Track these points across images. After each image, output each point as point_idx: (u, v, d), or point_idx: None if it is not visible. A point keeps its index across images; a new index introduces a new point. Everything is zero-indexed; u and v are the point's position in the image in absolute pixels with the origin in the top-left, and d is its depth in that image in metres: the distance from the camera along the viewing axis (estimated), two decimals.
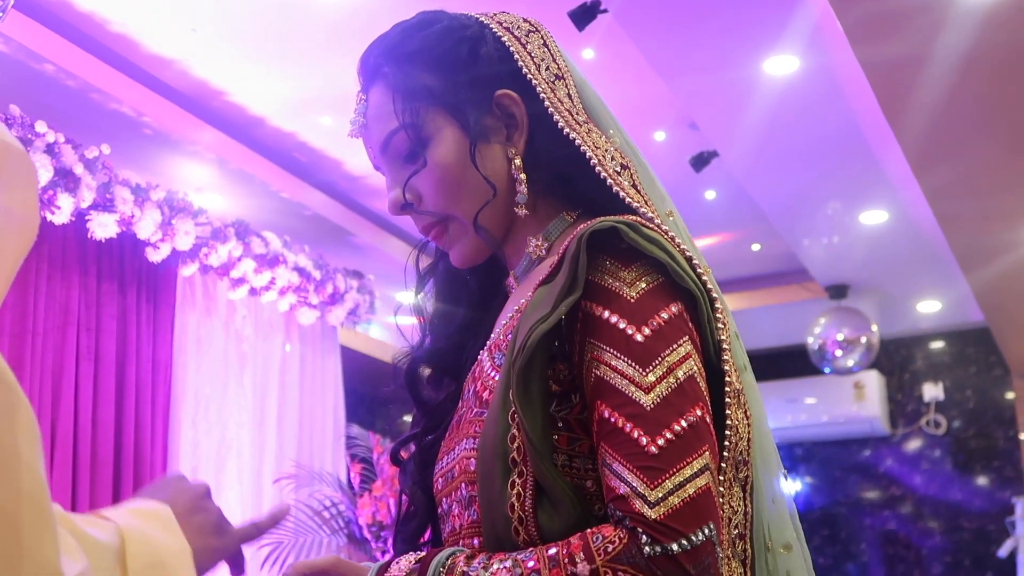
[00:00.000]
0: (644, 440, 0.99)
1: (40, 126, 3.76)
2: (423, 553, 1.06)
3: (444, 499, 1.19)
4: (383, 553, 4.38)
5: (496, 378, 1.13)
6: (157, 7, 3.73)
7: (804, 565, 1.18)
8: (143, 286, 4.46)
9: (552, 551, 0.98)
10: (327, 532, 4.53)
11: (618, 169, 1.20)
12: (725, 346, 1.09)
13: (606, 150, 1.20)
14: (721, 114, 4.25)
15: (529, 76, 1.22)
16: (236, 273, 4.73)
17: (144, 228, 4.21)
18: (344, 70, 3.98)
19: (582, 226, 1.10)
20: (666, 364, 1.02)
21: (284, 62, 4.08)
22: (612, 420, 1.01)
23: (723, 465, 1.06)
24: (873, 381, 7.28)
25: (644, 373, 1.02)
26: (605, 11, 3.50)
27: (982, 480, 7.32)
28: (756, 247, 6.11)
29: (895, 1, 3.20)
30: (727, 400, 1.07)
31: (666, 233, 1.11)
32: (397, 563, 1.05)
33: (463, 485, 1.13)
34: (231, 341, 4.89)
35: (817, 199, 5.09)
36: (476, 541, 1.10)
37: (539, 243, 1.24)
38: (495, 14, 1.28)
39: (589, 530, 0.99)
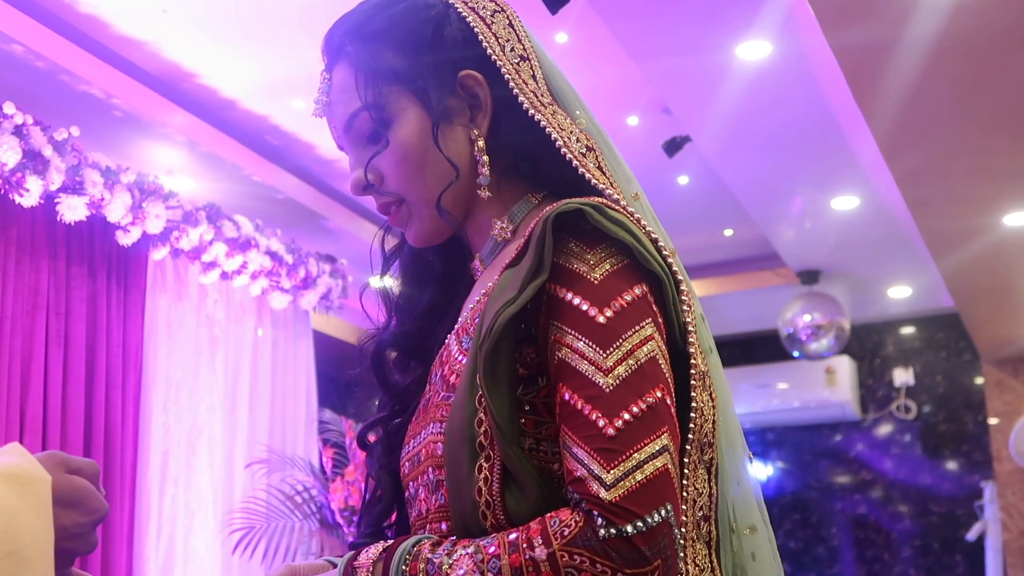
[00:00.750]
0: (602, 422, 0.99)
1: (8, 107, 3.72)
2: (390, 542, 1.05)
3: (411, 483, 1.18)
4: (355, 538, 4.37)
5: (463, 362, 1.12)
6: None
7: (769, 546, 1.18)
8: (113, 270, 4.43)
9: (512, 536, 0.98)
10: (299, 517, 4.52)
11: (583, 151, 1.19)
12: (691, 328, 1.09)
13: (571, 131, 1.19)
14: (694, 99, 4.25)
15: (493, 57, 1.20)
16: (207, 257, 4.71)
17: (114, 211, 4.17)
18: (317, 53, 3.97)
19: (548, 208, 1.09)
20: (627, 346, 1.02)
21: (256, 44, 4.05)
22: (572, 402, 1.01)
23: (688, 447, 1.06)
24: (844, 366, 7.32)
25: (605, 355, 1.01)
26: None
27: (951, 464, 7.38)
28: (728, 232, 6.13)
29: None
30: (692, 383, 1.07)
31: (632, 215, 1.11)
32: (366, 552, 1.05)
33: (430, 469, 1.12)
34: (202, 325, 4.86)
35: (789, 184, 5.11)
36: (444, 526, 1.10)
37: (504, 225, 1.23)
38: None
39: (548, 514, 0.99)
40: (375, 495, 1.29)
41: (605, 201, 1.11)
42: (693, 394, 1.07)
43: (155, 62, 4.16)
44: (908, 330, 7.62)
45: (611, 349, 1.01)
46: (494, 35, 1.22)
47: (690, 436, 1.06)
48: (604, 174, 1.19)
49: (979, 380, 7.38)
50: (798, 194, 5.20)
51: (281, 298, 5.15)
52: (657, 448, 0.99)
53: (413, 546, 1.02)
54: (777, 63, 3.88)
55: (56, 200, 3.97)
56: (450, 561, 0.98)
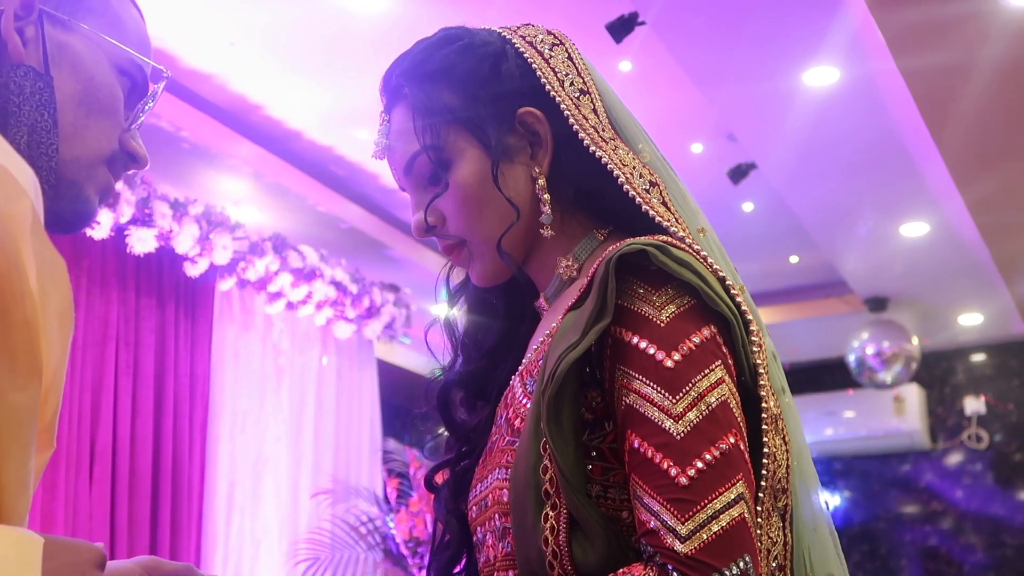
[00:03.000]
0: (674, 471, 0.96)
1: None
2: None
3: (478, 528, 1.16)
4: (419, 569, 4.36)
5: (527, 405, 1.10)
6: (195, 21, 3.74)
7: None
8: (181, 300, 4.47)
9: None
10: (364, 548, 4.52)
11: (647, 187, 1.16)
12: (761, 370, 1.06)
13: (634, 167, 1.17)
14: (760, 125, 4.21)
15: (552, 92, 1.18)
16: (273, 287, 4.74)
17: (182, 243, 4.22)
18: (379, 84, 3.99)
19: (611, 247, 1.07)
20: (697, 390, 0.99)
21: (321, 75, 4.08)
22: (641, 450, 0.98)
23: (761, 495, 1.02)
24: (913, 394, 7.19)
25: (674, 400, 0.98)
26: (643, 23, 3.48)
27: None
28: (794, 259, 6.06)
29: (937, 10, 3.16)
30: (764, 427, 1.04)
31: (698, 253, 1.08)
32: None
33: (496, 515, 1.10)
34: (268, 355, 4.89)
35: (857, 211, 5.04)
36: (511, 574, 1.08)
37: (569, 264, 1.21)
38: (518, 27, 1.25)
39: (621, 571, 0.96)
40: (443, 540, 1.27)
41: (670, 240, 1.08)
42: (765, 439, 1.04)
43: (222, 94, 4.20)
44: (979, 357, 7.47)
45: (680, 394, 0.99)
46: (552, 70, 1.20)
47: (763, 483, 1.02)
48: (669, 210, 1.16)
49: None
50: (866, 221, 5.13)
51: (345, 327, 5.17)
52: (733, 497, 0.95)
53: None
54: (844, 88, 3.83)
55: (126, 232, 4.03)
56: None
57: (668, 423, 0.97)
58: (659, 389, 0.99)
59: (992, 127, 3.82)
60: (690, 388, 0.98)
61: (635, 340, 1.01)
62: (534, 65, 1.20)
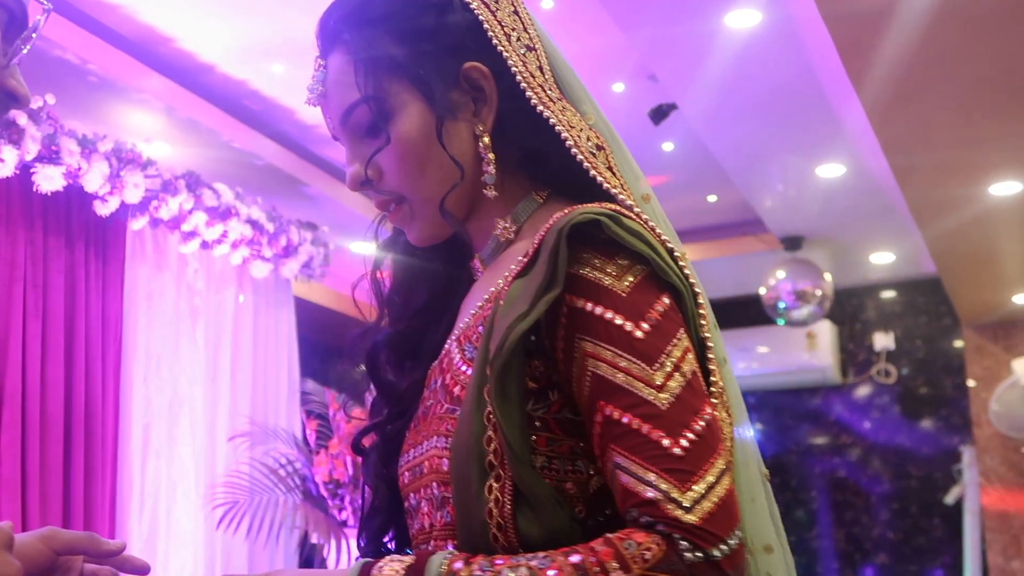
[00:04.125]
0: (666, 441, 0.95)
1: None
2: (409, 558, 1.00)
3: (412, 494, 1.14)
4: (339, 511, 4.35)
5: (468, 372, 1.08)
6: None
7: (785, 567, 1.15)
8: (91, 241, 4.34)
9: (575, 558, 0.93)
10: (283, 491, 4.49)
11: (593, 150, 1.14)
12: (709, 343, 1.06)
13: (580, 129, 1.14)
14: (681, 66, 4.20)
15: (499, 47, 1.14)
16: (187, 226, 4.63)
17: (92, 181, 4.09)
18: (297, 16, 3.89)
19: (558, 215, 1.04)
20: (672, 360, 0.99)
21: (235, 7, 3.97)
22: (624, 421, 0.97)
23: None
24: (825, 331, 7.33)
25: (652, 371, 0.97)
26: None
27: (930, 428, 7.43)
28: (712, 198, 6.10)
29: None
30: (713, 400, 1.03)
31: (646, 223, 1.07)
32: (380, 570, 1.00)
33: (434, 484, 1.08)
34: (183, 296, 4.79)
35: (774, 152, 5.08)
36: (450, 544, 1.06)
37: (507, 225, 1.18)
38: None
39: (614, 535, 0.94)
40: (373, 505, 1.25)
41: (619, 209, 1.06)
42: (713, 389, 1.04)
43: (131, 25, 4.07)
44: (889, 294, 7.63)
45: (656, 364, 0.98)
46: (499, 23, 1.16)
47: None
48: (615, 175, 1.14)
49: (958, 344, 7.41)
50: (783, 161, 5.17)
51: (262, 267, 5.09)
52: (722, 466, 0.96)
53: (442, 564, 0.97)
54: (766, 30, 3.84)
55: (32, 170, 3.88)
56: None
57: (651, 393, 0.96)
58: (634, 360, 0.97)
59: (910, 71, 3.84)
60: (665, 359, 0.98)
61: (597, 310, 1.00)
62: (481, 17, 1.15)
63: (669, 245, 1.06)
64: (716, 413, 0.99)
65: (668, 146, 5.26)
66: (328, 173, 5.37)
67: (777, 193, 5.65)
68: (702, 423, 0.97)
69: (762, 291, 6.45)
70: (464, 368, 1.09)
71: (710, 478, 0.94)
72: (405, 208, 1.19)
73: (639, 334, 0.99)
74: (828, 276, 6.34)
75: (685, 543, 0.92)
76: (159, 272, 4.68)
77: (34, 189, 3.92)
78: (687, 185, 5.78)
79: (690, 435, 0.95)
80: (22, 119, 3.74)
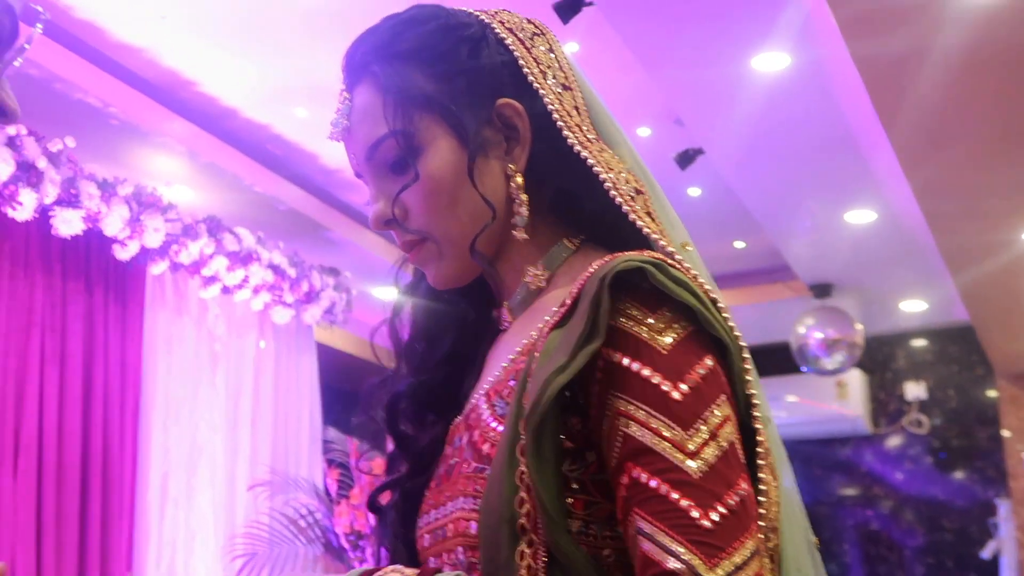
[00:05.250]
0: (695, 512, 0.87)
1: None
2: (412, 570, 0.94)
3: (432, 559, 1.06)
4: (360, 563, 4.25)
5: (498, 430, 1.00)
6: None
7: None
8: (111, 285, 4.31)
9: None
10: (303, 542, 4.39)
11: (632, 194, 1.06)
12: (756, 401, 0.97)
13: (619, 172, 1.07)
14: (707, 110, 4.16)
15: (535, 84, 1.08)
16: (208, 271, 4.59)
17: (111, 225, 4.05)
18: (320, 60, 3.86)
19: (598, 262, 0.97)
20: (709, 427, 0.91)
21: (258, 51, 3.96)
22: (653, 486, 0.89)
23: (759, 535, 0.94)
24: (855, 379, 7.22)
25: (687, 436, 0.90)
26: (591, 3, 3.40)
27: (964, 479, 7.28)
28: (740, 244, 6.04)
29: None
30: (759, 462, 0.95)
31: (688, 271, 0.99)
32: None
33: (460, 549, 1.01)
34: (203, 341, 4.75)
35: (803, 197, 5.01)
36: None
37: (538, 273, 1.11)
38: (496, 12, 1.14)
39: None
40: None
41: (663, 257, 0.99)
42: (761, 475, 0.95)
43: (153, 69, 4.07)
44: (920, 343, 7.52)
45: (692, 429, 0.90)
46: (535, 60, 1.10)
47: (760, 523, 0.94)
48: (653, 220, 1.06)
49: (992, 393, 7.28)
50: (812, 207, 5.10)
51: (284, 312, 5.04)
52: (752, 548, 0.88)
53: None
54: (795, 74, 3.78)
55: (51, 214, 3.86)
56: None
57: (682, 460, 0.89)
58: (667, 422, 0.90)
59: (942, 115, 3.78)
60: (701, 424, 0.90)
61: (635, 367, 0.92)
62: (516, 53, 1.09)
63: (713, 295, 0.98)
64: (750, 489, 0.92)
65: (695, 191, 5.21)
66: (351, 218, 5.34)
67: (806, 239, 5.58)
68: (736, 498, 0.89)
69: (791, 339, 6.36)
70: (494, 424, 1.02)
71: (738, 558, 0.87)
72: (430, 248, 1.12)
73: (676, 395, 0.91)
74: (858, 324, 6.24)
75: None
76: (179, 317, 4.64)
77: (53, 233, 3.89)
78: (714, 231, 5.72)
79: (722, 508, 0.88)
80: (41, 162, 3.71)
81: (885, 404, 7.55)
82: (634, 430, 0.91)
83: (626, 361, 0.93)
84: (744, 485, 0.90)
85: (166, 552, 4.39)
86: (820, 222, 5.31)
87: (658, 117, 4.47)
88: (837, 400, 7.26)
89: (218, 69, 4.09)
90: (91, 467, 4.07)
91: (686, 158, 4.57)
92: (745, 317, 6.71)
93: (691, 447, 0.89)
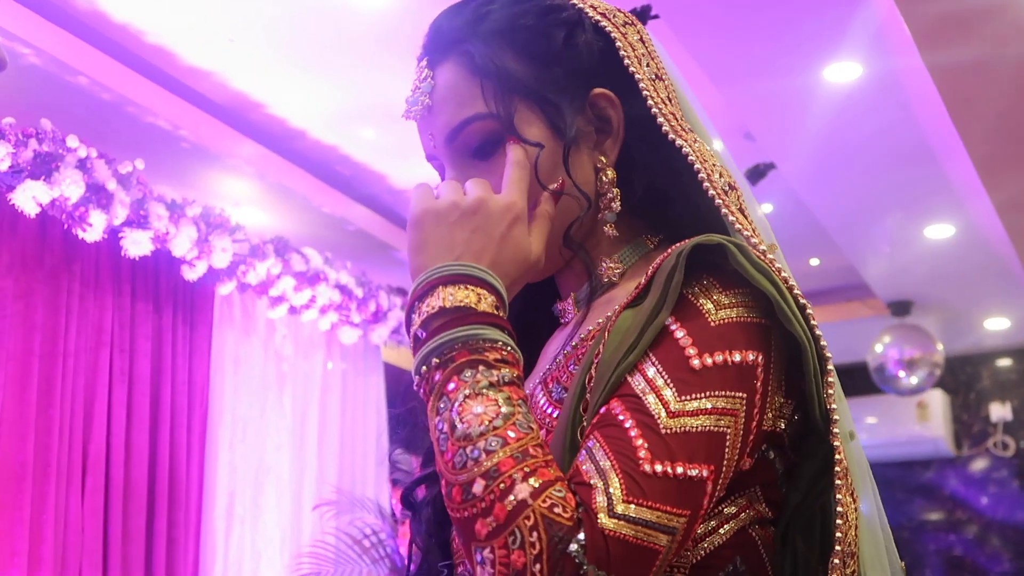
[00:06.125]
0: (643, 453, 0.83)
1: (71, 140, 3.66)
2: (476, 307, 0.92)
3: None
4: None
5: (555, 415, 0.96)
6: (194, 17, 3.64)
7: None
8: (179, 305, 4.35)
9: (535, 451, 0.84)
10: (367, 562, 4.38)
11: (726, 188, 1.02)
12: (835, 416, 0.92)
13: (713, 164, 1.03)
14: (778, 124, 4.07)
15: (633, 70, 1.04)
16: (275, 291, 4.61)
17: (179, 245, 4.09)
18: (387, 81, 3.86)
19: (676, 245, 0.93)
20: (706, 404, 0.86)
21: (325, 73, 3.97)
22: (620, 419, 0.85)
23: (834, 560, 0.90)
24: (937, 400, 7.03)
25: (678, 399, 0.85)
26: (656, 16, 3.33)
27: None
28: (815, 262, 5.92)
29: (966, 2, 3.01)
30: (836, 481, 0.90)
31: (774, 265, 0.94)
32: (458, 288, 0.93)
33: None
34: (270, 361, 4.77)
35: (880, 212, 4.89)
36: None
37: (613, 265, 1.07)
38: None
39: (566, 480, 0.83)
40: (420, 570, 1.11)
41: (746, 243, 0.95)
42: (838, 495, 0.89)
43: (222, 92, 4.10)
44: (1005, 362, 7.31)
45: (688, 397, 0.86)
46: (631, 46, 1.06)
47: (837, 547, 0.89)
48: (746, 217, 1.02)
49: None
50: (888, 222, 4.97)
51: (351, 332, 5.04)
52: (670, 525, 0.82)
53: (484, 339, 0.90)
54: (867, 85, 3.68)
55: (120, 235, 3.90)
56: (486, 392, 0.86)
57: (659, 411, 0.85)
58: (669, 382, 0.86)
59: (1021, 125, 3.66)
60: (701, 397, 0.86)
61: (673, 327, 0.89)
62: (614, 38, 1.06)
63: (797, 292, 0.93)
64: (709, 486, 0.85)
65: (767, 207, 5.11)
66: None
67: (883, 256, 5.44)
68: (687, 474, 0.83)
69: (869, 358, 6.22)
70: (550, 410, 0.98)
71: (651, 517, 0.81)
72: None
73: (695, 363, 0.87)
74: (939, 343, 6.08)
75: (582, 538, 0.79)
76: (246, 337, 4.67)
77: (122, 254, 3.93)
78: (788, 248, 5.44)
79: (668, 469, 0.83)
80: (111, 184, 3.76)
81: (969, 425, 7.34)
82: (636, 380, 0.87)
83: (674, 326, 0.89)
84: (704, 473, 0.84)
85: (232, 571, 4.40)
86: (897, 238, 5.17)
87: (728, 132, 4.38)
88: (918, 422, 7.07)
89: (286, 91, 4.11)
90: (158, 486, 4.10)
91: (757, 173, 4.48)
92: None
93: (675, 407, 0.85)
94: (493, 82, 1.03)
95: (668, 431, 0.84)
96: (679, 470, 0.83)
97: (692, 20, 3.36)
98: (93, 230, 3.72)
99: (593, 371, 0.90)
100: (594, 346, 0.93)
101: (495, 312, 0.91)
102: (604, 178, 1.05)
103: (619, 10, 1.10)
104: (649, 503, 0.81)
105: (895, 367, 6.09)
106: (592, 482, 0.81)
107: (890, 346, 6.10)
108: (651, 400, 0.85)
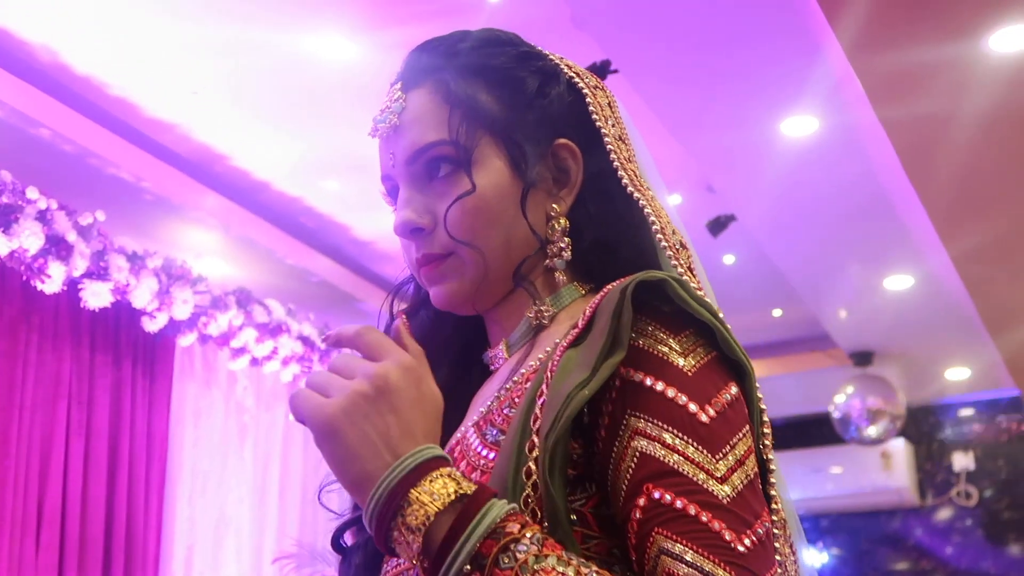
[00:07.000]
0: (728, 535, 0.82)
1: (31, 192, 3.64)
2: (468, 484, 0.85)
3: None
4: None
5: (490, 457, 0.95)
6: (157, 70, 3.66)
7: None
8: (139, 357, 4.31)
9: None
10: None
11: (677, 246, 1.06)
12: (766, 429, 0.95)
13: (668, 221, 1.07)
14: (738, 176, 4.13)
15: (601, 127, 1.08)
16: (237, 343, 4.58)
17: (140, 297, 4.07)
18: (351, 133, 3.88)
19: (611, 285, 0.94)
20: (736, 455, 0.87)
21: (289, 125, 3.98)
22: (679, 507, 0.84)
23: None
24: (901, 450, 7.07)
25: (715, 460, 0.86)
26: (615, 71, 3.39)
27: (1018, 553, 7.06)
28: (777, 313, 5.96)
29: (918, 58, 3.07)
30: (775, 531, 0.91)
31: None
32: (431, 481, 0.84)
33: None
34: (231, 413, 4.73)
35: (840, 264, 4.94)
36: None
37: (544, 308, 1.07)
38: (561, 57, 1.15)
39: None
40: None
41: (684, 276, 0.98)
42: (776, 545, 0.90)
43: (185, 144, 4.10)
44: (967, 412, 7.35)
45: (720, 455, 0.86)
46: (600, 107, 1.10)
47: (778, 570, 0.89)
48: (695, 277, 1.05)
49: None
50: (849, 273, 5.02)
51: None
52: None
53: (499, 515, 0.82)
54: (824, 138, 3.74)
55: (80, 286, 3.87)
56: (537, 567, 0.79)
57: (711, 484, 0.84)
58: (695, 444, 0.86)
59: (976, 177, 3.72)
60: (729, 450, 0.87)
61: (658, 386, 0.88)
62: (585, 94, 1.10)
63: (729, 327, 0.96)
64: (770, 525, 0.87)
65: (729, 259, 5.15)
66: (383, 289, 5.33)
67: (844, 306, 5.49)
68: (762, 529, 0.85)
69: (831, 409, 6.25)
70: (485, 452, 0.97)
71: None
72: (451, 263, 1.07)
73: (704, 418, 0.87)
74: (900, 393, 6.12)
75: None
76: (207, 389, 4.63)
77: (81, 305, 3.90)
78: (751, 299, 5.64)
79: (752, 537, 0.83)
80: (71, 235, 3.74)
81: (932, 475, 7.37)
82: (655, 450, 0.86)
83: (649, 381, 0.89)
84: (767, 521, 0.86)
85: None
86: (858, 288, 5.23)
87: (689, 184, 4.43)
88: (882, 471, 7.10)
89: (249, 143, 4.12)
90: (114, 540, 4.04)
91: (718, 224, 4.53)
92: (785, 387, 6.61)
93: (720, 472, 0.85)
94: (462, 112, 1.06)
95: (729, 500, 0.84)
96: (759, 532, 0.84)
97: (652, 75, 3.42)
98: (52, 282, 3.70)
99: (538, 411, 0.90)
100: (533, 387, 0.93)
101: (463, 481, 0.86)
102: (556, 226, 1.07)
103: (591, 74, 1.15)
104: None
105: (858, 417, 6.12)
106: None
107: (853, 396, 6.14)
108: (689, 471, 0.85)
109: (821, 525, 7.50)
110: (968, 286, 4.57)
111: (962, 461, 7.26)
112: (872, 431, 6.12)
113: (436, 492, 0.83)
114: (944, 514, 7.31)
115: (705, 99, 3.53)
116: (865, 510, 7.38)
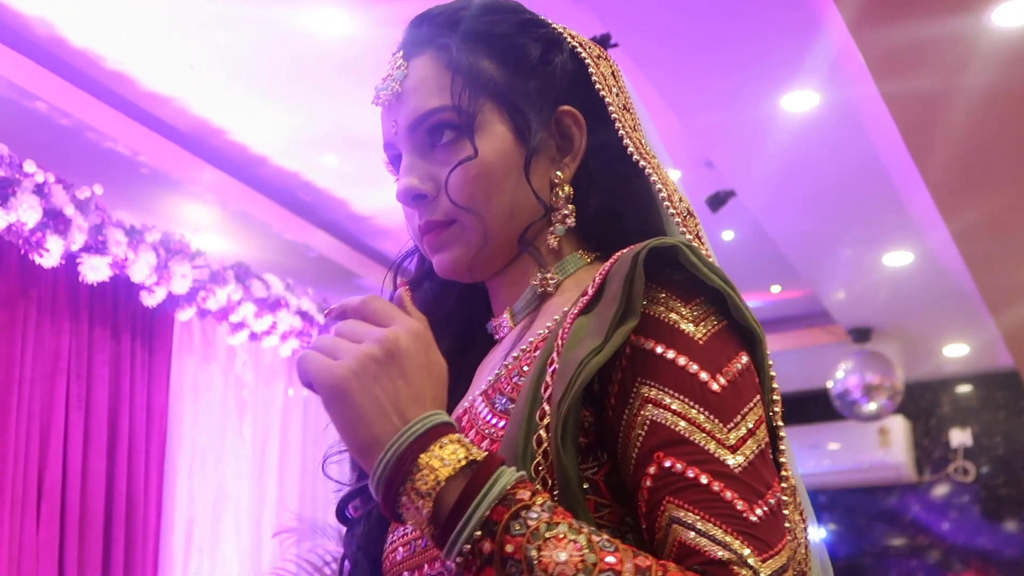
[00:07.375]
0: (740, 504, 0.82)
1: (29, 166, 3.63)
2: (478, 451, 0.84)
3: (406, 572, 0.99)
4: None
5: (500, 426, 0.94)
6: (154, 43, 3.63)
7: None
8: (138, 331, 4.30)
9: (643, 562, 0.78)
10: None
11: (685, 213, 1.06)
12: (776, 396, 0.94)
13: (674, 189, 1.07)
14: (738, 152, 4.11)
15: (605, 97, 1.08)
16: (235, 317, 4.58)
17: (138, 271, 4.06)
18: (348, 108, 3.86)
19: (622, 251, 0.93)
20: (747, 424, 0.87)
21: (287, 100, 3.96)
22: (691, 476, 0.83)
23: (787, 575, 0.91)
24: (898, 426, 7.08)
25: (726, 430, 0.85)
26: (616, 45, 3.37)
27: (1014, 529, 7.09)
28: (776, 289, 5.95)
29: (920, 32, 3.05)
30: (785, 499, 0.90)
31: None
32: (442, 445, 0.84)
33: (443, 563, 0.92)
34: (230, 387, 4.73)
35: (838, 239, 4.93)
36: None
37: (550, 277, 1.07)
38: (565, 27, 1.15)
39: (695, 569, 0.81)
40: None
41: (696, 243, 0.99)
42: (785, 512, 0.89)
43: (183, 118, 4.08)
44: (965, 389, 7.37)
45: (731, 424, 0.86)
46: (603, 76, 1.10)
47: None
48: (702, 244, 1.06)
49: None
50: (848, 249, 5.02)
51: None
52: (788, 555, 0.84)
53: (508, 482, 0.81)
54: (825, 114, 3.72)
55: (78, 260, 3.86)
56: (549, 534, 0.78)
57: (722, 453, 0.84)
58: (706, 413, 0.85)
59: (977, 153, 3.71)
60: (740, 420, 0.86)
61: (669, 354, 0.88)
62: (588, 63, 1.10)
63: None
64: (782, 497, 0.87)
65: (728, 235, 5.14)
66: (381, 264, 5.33)
67: (843, 283, 5.49)
68: (773, 500, 0.85)
69: (830, 385, 6.25)
70: (494, 421, 0.96)
71: (782, 560, 0.82)
72: (454, 231, 1.07)
73: (715, 387, 0.87)
74: (899, 369, 6.13)
75: None
76: (206, 364, 4.63)
77: (80, 280, 3.90)
78: (750, 275, 5.64)
79: (764, 507, 0.83)
80: (69, 209, 3.73)
81: (929, 451, 7.39)
82: (666, 418, 0.86)
83: (659, 348, 0.88)
84: (778, 489, 0.86)
85: None
86: (857, 264, 5.22)
87: (688, 160, 4.42)
88: (880, 447, 7.12)
89: (247, 117, 4.10)
90: (115, 514, 4.05)
91: (718, 200, 4.51)
92: (783, 363, 6.59)
93: (731, 441, 0.85)
94: (465, 78, 1.05)
95: (741, 469, 0.84)
96: (771, 502, 0.84)
97: (653, 51, 3.40)
98: (50, 256, 3.69)
99: (549, 379, 0.89)
100: (544, 355, 0.92)
101: (472, 448, 0.85)
102: (560, 193, 1.07)
103: (594, 44, 1.14)
104: (774, 550, 0.82)
105: (856, 394, 6.13)
106: (720, 556, 0.80)
107: (851, 373, 6.14)
108: (701, 439, 0.84)
109: (819, 501, 7.52)
110: (968, 262, 4.57)
111: (959, 437, 7.28)
112: (870, 407, 6.13)
113: (446, 458, 0.83)
114: (941, 490, 7.33)
115: (705, 74, 3.51)
116: (863, 486, 7.41)
